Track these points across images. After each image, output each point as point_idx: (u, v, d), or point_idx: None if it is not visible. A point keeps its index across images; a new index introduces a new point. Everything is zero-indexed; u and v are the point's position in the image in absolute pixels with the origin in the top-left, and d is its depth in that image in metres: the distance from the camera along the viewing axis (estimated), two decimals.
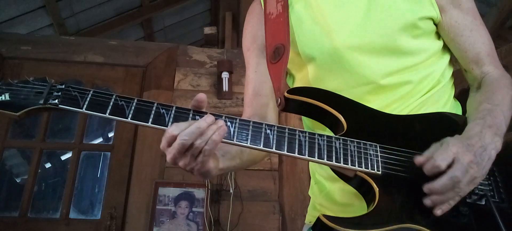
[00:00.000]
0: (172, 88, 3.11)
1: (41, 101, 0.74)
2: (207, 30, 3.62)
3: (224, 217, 2.72)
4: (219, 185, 2.80)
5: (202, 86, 3.08)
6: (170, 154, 0.72)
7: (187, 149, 0.70)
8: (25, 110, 0.73)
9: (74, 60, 3.15)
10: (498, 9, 3.24)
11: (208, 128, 0.71)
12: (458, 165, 0.73)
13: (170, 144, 0.71)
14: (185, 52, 3.24)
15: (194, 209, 2.72)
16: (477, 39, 0.97)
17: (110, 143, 3.07)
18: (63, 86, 0.75)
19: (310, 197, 1.08)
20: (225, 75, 2.98)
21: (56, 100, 0.74)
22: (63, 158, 4.16)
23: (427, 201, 0.75)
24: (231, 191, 2.78)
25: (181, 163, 0.73)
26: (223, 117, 0.75)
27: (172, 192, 2.75)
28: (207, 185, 2.77)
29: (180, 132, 0.70)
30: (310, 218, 1.03)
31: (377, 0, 0.94)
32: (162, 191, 2.74)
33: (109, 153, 3.00)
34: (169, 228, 2.66)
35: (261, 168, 2.91)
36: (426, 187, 0.74)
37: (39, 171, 2.96)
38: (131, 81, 3.18)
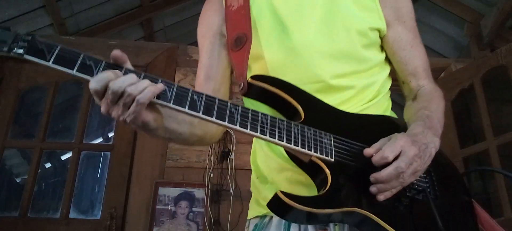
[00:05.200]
0: None
1: (6, 49, 0.74)
2: None
3: (224, 217, 2.72)
4: (219, 185, 2.81)
5: None
6: (103, 104, 0.72)
7: (119, 98, 0.71)
8: None
9: None
10: (498, 9, 3.24)
11: (140, 80, 0.72)
12: (403, 157, 0.80)
13: (99, 96, 0.71)
14: (185, 52, 3.24)
15: (194, 209, 2.72)
16: (416, 55, 1.07)
17: (110, 143, 3.07)
18: (30, 37, 0.74)
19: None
20: None
21: (22, 50, 0.73)
22: (63, 158, 4.16)
23: (373, 188, 0.81)
24: (231, 191, 2.78)
25: (114, 113, 0.72)
26: (159, 80, 0.75)
27: (172, 192, 2.75)
28: (207, 185, 2.78)
29: (108, 81, 0.70)
30: (254, 213, 1.04)
31: (334, 5, 1.02)
32: (162, 191, 2.74)
33: (109, 153, 3.00)
34: (169, 228, 2.66)
35: None
36: (373, 176, 0.81)
37: (39, 171, 2.96)
38: None
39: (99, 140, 3.89)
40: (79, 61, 0.72)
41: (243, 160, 2.91)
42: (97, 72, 0.73)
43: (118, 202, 2.77)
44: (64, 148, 3.41)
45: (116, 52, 0.75)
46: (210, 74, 1.07)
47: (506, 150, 2.85)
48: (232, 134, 2.93)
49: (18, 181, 4.39)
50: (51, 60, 0.71)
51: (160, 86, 0.73)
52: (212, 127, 1.00)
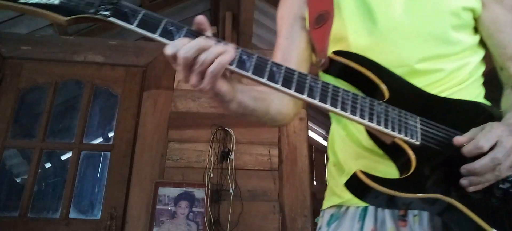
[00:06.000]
0: (172, 88, 3.11)
1: (92, 11, 0.72)
2: None
3: (224, 217, 2.72)
4: (219, 185, 2.81)
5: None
6: (179, 72, 0.71)
7: (192, 65, 0.69)
8: (74, 16, 0.71)
9: (74, 60, 3.15)
10: None
11: (211, 46, 0.70)
12: (500, 148, 0.73)
13: (175, 61, 0.70)
14: None
15: (194, 209, 2.72)
16: None
17: (110, 143, 3.07)
18: (116, 1, 0.74)
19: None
20: None
21: (108, 12, 0.72)
22: (63, 158, 4.16)
23: (464, 181, 0.75)
24: (231, 191, 2.78)
25: (191, 82, 0.71)
26: (239, 50, 0.74)
27: (172, 192, 2.75)
28: (207, 185, 2.78)
29: (182, 45, 0.69)
30: (330, 202, 1.01)
31: None
32: (162, 191, 2.74)
33: (109, 153, 3.00)
34: (169, 228, 2.66)
35: (261, 168, 2.92)
36: (465, 168, 0.75)
37: (39, 171, 2.96)
38: (131, 81, 3.18)
39: (99, 140, 3.88)
40: (161, 26, 0.72)
41: (243, 160, 2.91)
42: (174, 37, 0.72)
43: (118, 202, 2.78)
44: (64, 148, 3.41)
45: (201, 17, 0.74)
46: (287, 56, 1.03)
47: None
48: (232, 134, 2.94)
49: (18, 181, 4.38)
50: (135, 23, 0.72)
51: (231, 54, 0.70)
52: (287, 106, 0.98)
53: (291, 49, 1.05)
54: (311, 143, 6.43)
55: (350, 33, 0.96)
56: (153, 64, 3.20)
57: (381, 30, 0.93)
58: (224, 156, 2.88)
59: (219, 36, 3.88)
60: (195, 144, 2.94)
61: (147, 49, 3.27)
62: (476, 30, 0.98)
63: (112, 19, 0.72)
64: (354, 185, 0.74)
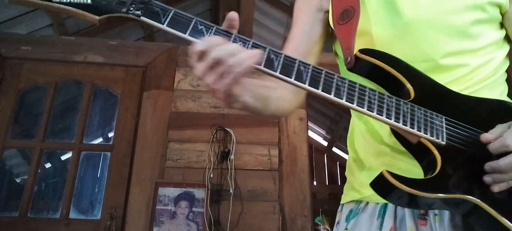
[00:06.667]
0: (172, 88, 3.11)
1: (124, 10, 0.73)
2: None
3: (224, 217, 2.72)
4: (219, 185, 2.81)
5: (202, 86, 3.08)
6: (200, 67, 0.70)
7: (219, 65, 0.69)
8: (106, 15, 0.72)
9: (74, 60, 3.15)
10: None
11: (243, 50, 0.70)
12: None
13: (201, 57, 0.70)
14: (185, 52, 3.24)
15: (194, 209, 2.72)
16: None
17: (110, 143, 3.07)
18: (147, 0, 0.75)
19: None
20: None
21: (139, 11, 0.73)
22: (63, 158, 4.16)
23: (488, 178, 0.75)
24: (231, 191, 2.78)
25: (208, 79, 0.70)
26: (267, 49, 0.74)
27: (172, 192, 2.75)
28: (207, 185, 2.78)
29: (214, 45, 0.69)
30: (349, 197, 1.01)
31: None
32: (162, 191, 2.74)
33: (109, 153, 3.00)
34: (169, 228, 2.66)
35: (261, 168, 2.92)
36: (488, 165, 0.75)
37: (39, 171, 2.96)
38: (131, 81, 3.18)
39: (99, 140, 3.88)
40: (191, 25, 0.73)
41: (243, 160, 2.92)
42: (191, 34, 0.73)
43: (118, 202, 2.78)
44: (64, 148, 3.41)
45: (233, 14, 0.74)
46: (300, 48, 1.03)
47: None
48: (232, 134, 2.94)
49: (18, 181, 4.38)
50: (166, 23, 0.73)
51: (258, 58, 0.70)
52: (289, 102, 0.98)
53: (306, 42, 1.04)
54: (311, 143, 6.43)
55: (373, 26, 0.95)
56: (153, 64, 3.20)
57: (406, 23, 0.91)
58: (224, 156, 2.88)
59: None
60: (195, 144, 2.94)
61: (147, 49, 3.27)
62: (502, 25, 0.97)
63: (143, 18, 0.73)
64: (380, 184, 0.74)
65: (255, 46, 0.73)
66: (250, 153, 2.94)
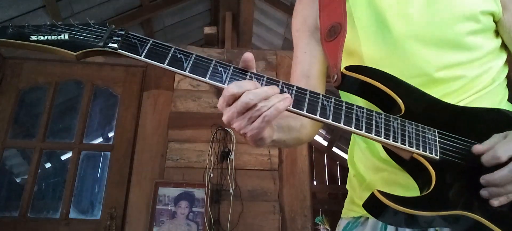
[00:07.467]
0: (172, 88, 3.11)
1: (101, 44, 0.74)
2: (207, 30, 3.62)
3: (224, 217, 2.72)
4: (219, 185, 2.81)
5: (202, 86, 3.08)
6: (228, 112, 0.68)
7: (248, 110, 0.68)
8: (83, 50, 0.73)
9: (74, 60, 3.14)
10: None
11: (273, 95, 0.69)
12: None
13: (229, 103, 0.68)
14: None
15: (194, 209, 2.72)
16: None
17: (110, 143, 3.07)
18: (123, 32, 0.75)
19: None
20: None
21: (116, 45, 0.74)
22: (63, 158, 4.16)
23: (484, 192, 0.73)
24: (231, 191, 2.78)
25: (236, 124, 0.69)
26: (280, 83, 0.73)
27: (172, 192, 2.75)
28: (207, 185, 2.78)
29: (245, 90, 0.67)
30: (348, 213, 1.00)
31: None
32: (162, 191, 2.74)
33: (109, 153, 3.00)
34: (169, 228, 2.66)
35: (261, 168, 2.92)
36: (483, 179, 0.72)
37: (39, 171, 2.96)
38: (131, 81, 3.18)
39: (99, 140, 3.89)
40: (169, 55, 0.73)
41: (243, 160, 2.92)
42: (186, 69, 0.72)
43: (118, 202, 2.78)
44: (64, 148, 3.42)
45: (249, 55, 0.73)
46: (306, 72, 1.02)
47: None
48: (232, 134, 2.94)
49: (18, 181, 4.38)
50: (143, 54, 0.73)
51: (288, 101, 0.70)
52: (307, 127, 0.96)
53: (310, 64, 1.02)
54: (311, 143, 6.43)
55: (363, 44, 0.93)
56: (153, 64, 3.20)
57: (397, 39, 0.89)
58: (224, 156, 2.88)
59: (219, 36, 3.88)
60: (195, 144, 2.94)
61: None
62: (497, 33, 0.95)
63: (121, 51, 0.73)
64: (372, 204, 0.72)
65: (269, 82, 0.73)
66: (250, 152, 2.94)
